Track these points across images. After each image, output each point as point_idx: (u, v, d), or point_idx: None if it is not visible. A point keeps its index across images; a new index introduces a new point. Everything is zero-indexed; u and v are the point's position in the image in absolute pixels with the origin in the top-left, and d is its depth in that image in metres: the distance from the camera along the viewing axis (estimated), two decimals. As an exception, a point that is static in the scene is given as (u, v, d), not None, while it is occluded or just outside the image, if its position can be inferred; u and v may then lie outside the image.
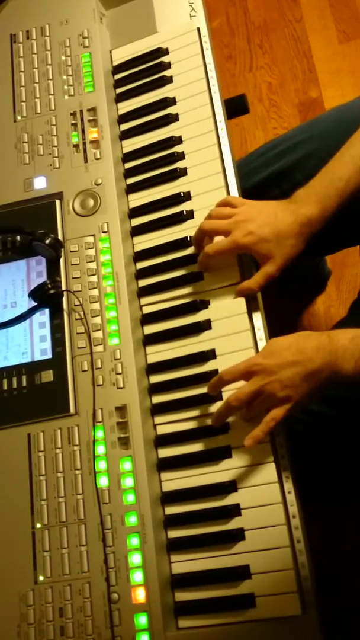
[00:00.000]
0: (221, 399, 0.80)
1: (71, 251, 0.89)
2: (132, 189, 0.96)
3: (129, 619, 0.72)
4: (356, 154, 0.82)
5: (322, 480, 1.02)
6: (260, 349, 0.81)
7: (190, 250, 0.89)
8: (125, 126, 1.00)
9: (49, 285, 0.86)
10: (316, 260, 1.44)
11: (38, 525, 0.77)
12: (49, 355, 0.85)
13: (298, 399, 0.74)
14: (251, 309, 0.84)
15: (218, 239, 0.85)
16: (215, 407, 0.80)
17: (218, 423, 0.79)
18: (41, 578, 0.75)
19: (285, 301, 1.47)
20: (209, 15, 1.02)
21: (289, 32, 1.83)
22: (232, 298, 0.85)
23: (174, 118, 0.96)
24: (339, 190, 0.82)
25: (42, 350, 0.86)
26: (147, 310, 0.88)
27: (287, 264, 0.83)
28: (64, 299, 0.87)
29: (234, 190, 0.90)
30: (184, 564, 0.76)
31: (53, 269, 0.90)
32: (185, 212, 0.90)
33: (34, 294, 0.87)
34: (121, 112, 1.01)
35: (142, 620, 0.72)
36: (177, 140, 0.95)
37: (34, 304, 0.88)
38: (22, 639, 0.74)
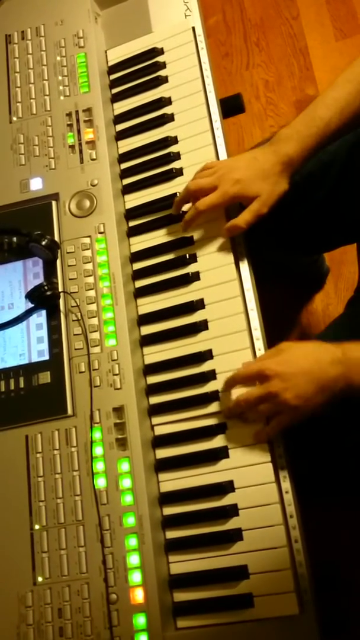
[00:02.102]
0: (218, 399, 0.80)
1: (68, 252, 0.89)
2: (128, 189, 0.96)
3: (128, 620, 0.72)
4: (339, 96, 0.83)
5: (320, 478, 1.02)
6: (257, 349, 0.81)
7: (187, 250, 0.89)
8: (120, 126, 1.00)
9: (46, 287, 0.86)
10: (314, 258, 1.44)
11: (36, 527, 0.78)
12: (46, 357, 0.85)
13: (308, 409, 0.74)
14: (248, 309, 0.84)
15: None
16: (212, 408, 0.81)
17: (229, 417, 0.80)
18: (40, 579, 0.76)
19: (283, 299, 1.47)
20: (205, 13, 1.02)
21: (285, 29, 1.82)
22: (229, 298, 0.85)
23: (169, 118, 0.96)
24: (319, 130, 0.83)
25: (40, 351, 0.86)
26: (143, 311, 0.89)
27: (274, 202, 0.84)
28: (61, 301, 0.87)
29: (230, 190, 0.90)
30: (182, 564, 0.76)
31: (50, 270, 0.90)
32: (182, 213, 0.90)
33: (30, 295, 0.87)
34: (117, 112, 1.01)
35: (140, 620, 0.72)
36: (173, 141, 0.95)
37: (31, 305, 0.88)
38: (22, 640, 0.74)
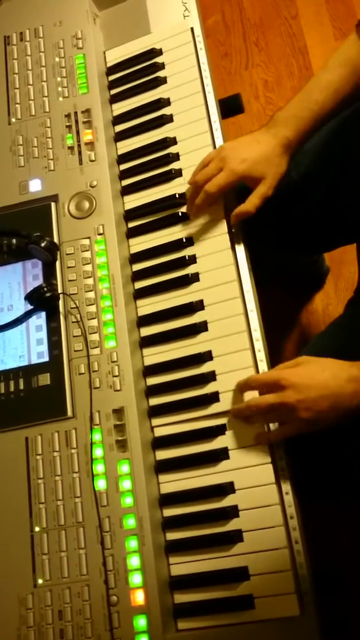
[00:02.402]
0: (218, 401, 0.80)
1: (67, 254, 0.89)
2: (127, 190, 0.96)
3: (128, 622, 0.72)
4: (332, 79, 0.85)
5: (320, 479, 1.02)
6: (257, 350, 0.81)
7: (187, 252, 0.89)
8: (119, 127, 1.00)
9: (45, 289, 0.86)
10: (314, 258, 1.44)
11: (37, 529, 0.78)
12: (45, 359, 0.85)
13: (317, 423, 0.73)
14: (248, 310, 0.84)
15: None
16: (212, 409, 0.81)
17: (236, 417, 0.79)
18: (40, 581, 0.76)
19: (283, 299, 1.47)
20: (204, 13, 1.02)
21: (284, 29, 1.82)
22: (228, 299, 0.85)
23: (168, 119, 0.96)
24: (313, 113, 0.85)
25: (39, 353, 0.86)
26: (143, 312, 0.88)
27: (277, 181, 0.86)
28: (60, 302, 0.87)
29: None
30: (183, 565, 0.76)
31: (49, 272, 0.90)
32: (180, 214, 0.90)
33: (30, 297, 0.87)
34: (115, 113, 1.01)
35: (141, 622, 0.72)
36: (172, 141, 0.95)
37: (30, 307, 0.88)
38: (22, 642, 0.74)
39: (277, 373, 0.76)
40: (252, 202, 0.85)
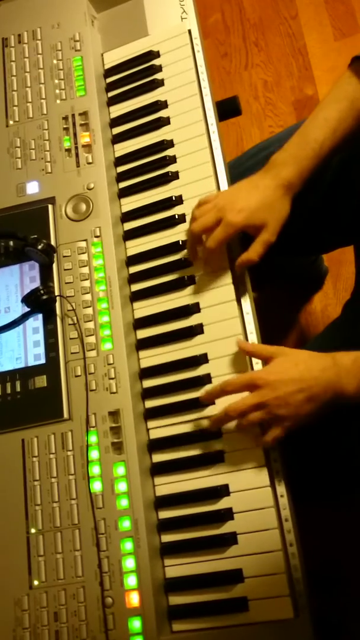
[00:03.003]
0: (214, 403, 0.80)
1: (64, 256, 0.90)
2: (124, 193, 0.96)
3: (123, 623, 0.72)
4: (329, 116, 0.83)
5: (313, 479, 1.03)
6: (252, 352, 0.81)
7: (182, 254, 0.89)
8: (117, 130, 1.00)
9: (42, 291, 0.87)
10: (313, 259, 1.44)
11: (33, 530, 0.78)
12: (42, 361, 0.86)
13: (298, 418, 0.74)
14: (244, 312, 0.84)
15: None
16: (208, 412, 0.81)
17: (214, 428, 0.80)
18: (36, 583, 0.76)
19: (282, 299, 1.48)
20: (203, 12, 1.02)
21: (284, 29, 1.82)
22: (224, 302, 0.85)
23: (165, 121, 0.96)
24: (315, 152, 0.83)
25: (36, 355, 0.86)
26: (139, 314, 0.89)
27: (279, 227, 0.84)
28: (57, 304, 0.88)
29: (226, 194, 0.90)
30: (178, 567, 0.77)
31: (46, 274, 0.90)
32: (177, 216, 0.91)
33: (27, 299, 0.87)
34: (113, 115, 1.01)
35: (136, 624, 0.72)
36: (169, 144, 0.95)
37: (27, 309, 0.88)
38: (18, 643, 0.74)
39: (251, 374, 0.77)
40: (255, 251, 0.82)
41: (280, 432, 0.75)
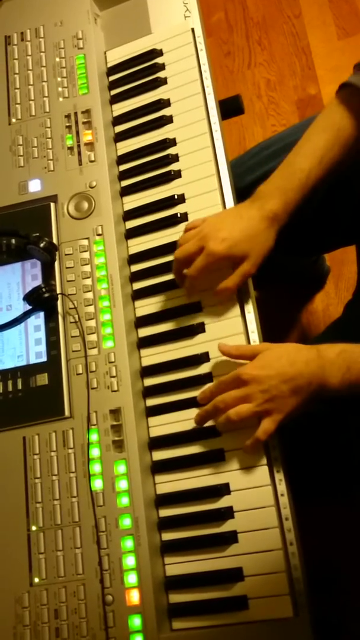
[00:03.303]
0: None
1: (66, 254, 0.90)
2: (126, 191, 0.96)
3: (123, 621, 0.72)
4: (315, 146, 0.83)
5: (313, 477, 1.03)
6: (253, 351, 0.81)
7: (184, 252, 0.89)
8: (119, 128, 1.00)
9: (44, 289, 0.87)
10: (314, 258, 1.44)
11: (33, 528, 0.78)
12: (44, 359, 0.86)
13: (286, 410, 0.74)
14: (245, 311, 0.84)
15: None
16: (208, 410, 0.81)
17: (201, 423, 0.80)
18: (36, 580, 0.76)
19: (283, 299, 1.48)
20: (207, 11, 1.02)
21: (287, 28, 1.82)
22: (225, 301, 0.85)
23: (168, 120, 0.96)
24: (301, 182, 0.82)
25: (37, 353, 0.87)
26: (141, 313, 0.89)
27: (262, 260, 0.83)
28: (59, 302, 0.88)
29: (228, 192, 0.90)
30: (178, 566, 0.77)
31: (48, 272, 0.90)
32: (179, 215, 0.91)
33: (29, 297, 0.88)
34: (115, 114, 1.01)
35: (136, 621, 0.72)
36: (171, 142, 0.95)
37: (29, 307, 0.88)
38: (18, 640, 0.75)
39: (237, 370, 0.77)
40: (233, 281, 0.82)
41: (270, 425, 0.75)
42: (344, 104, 0.83)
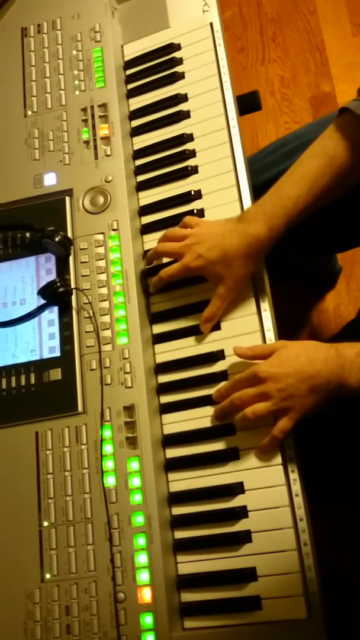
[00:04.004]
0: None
1: (81, 249, 0.89)
2: (142, 186, 0.95)
3: (135, 619, 0.72)
4: (306, 173, 0.81)
5: (328, 478, 1.02)
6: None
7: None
8: (136, 123, 0.99)
9: (58, 283, 0.86)
10: (326, 257, 1.43)
11: (45, 524, 0.78)
12: (57, 354, 0.85)
13: (303, 409, 0.74)
14: (261, 309, 0.83)
15: None
16: (223, 408, 0.80)
17: (219, 419, 0.79)
18: (48, 576, 0.76)
19: (295, 298, 1.47)
20: (221, 7, 1.01)
21: (302, 24, 1.81)
22: (242, 298, 0.84)
23: (185, 115, 0.95)
24: (287, 210, 0.80)
25: (51, 348, 0.86)
26: (156, 309, 0.88)
27: (239, 284, 0.83)
28: (73, 297, 0.87)
29: (245, 189, 0.89)
30: (191, 564, 0.76)
31: (62, 267, 0.90)
32: (195, 211, 0.90)
33: (43, 291, 0.87)
34: (132, 108, 1.00)
35: (147, 620, 0.72)
36: (189, 138, 0.94)
37: (43, 301, 0.88)
38: (29, 636, 0.74)
39: (255, 367, 0.76)
40: (215, 306, 0.83)
41: (287, 423, 0.75)
42: (339, 131, 0.81)
